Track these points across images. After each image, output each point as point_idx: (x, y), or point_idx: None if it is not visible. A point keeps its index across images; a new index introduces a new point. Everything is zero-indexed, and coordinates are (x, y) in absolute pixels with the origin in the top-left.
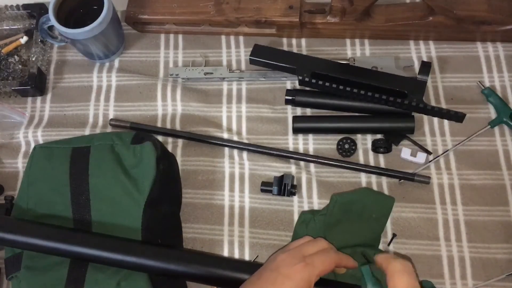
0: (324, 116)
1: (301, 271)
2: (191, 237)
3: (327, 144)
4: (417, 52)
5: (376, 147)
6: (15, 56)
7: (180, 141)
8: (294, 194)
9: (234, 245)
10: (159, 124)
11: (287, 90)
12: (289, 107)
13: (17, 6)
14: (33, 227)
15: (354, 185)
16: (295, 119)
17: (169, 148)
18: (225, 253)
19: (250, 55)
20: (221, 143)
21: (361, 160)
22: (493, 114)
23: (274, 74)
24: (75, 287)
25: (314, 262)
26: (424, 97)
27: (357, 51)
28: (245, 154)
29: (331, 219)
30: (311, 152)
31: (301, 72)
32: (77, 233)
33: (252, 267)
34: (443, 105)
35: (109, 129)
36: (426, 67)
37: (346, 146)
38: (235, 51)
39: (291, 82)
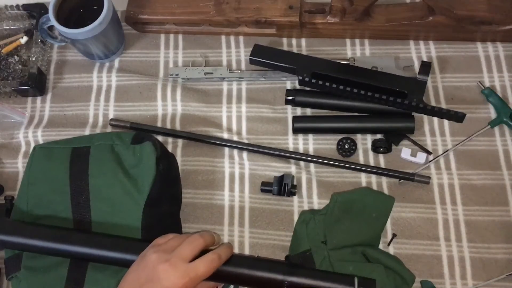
0: (324, 116)
1: (182, 280)
2: None
3: (327, 144)
4: (417, 52)
5: (376, 147)
6: (15, 56)
7: (180, 141)
8: (294, 194)
9: (234, 245)
10: (159, 124)
11: (287, 90)
12: (289, 107)
13: (17, 6)
14: (31, 228)
15: (354, 185)
16: (295, 119)
17: (169, 148)
18: None
19: (250, 55)
20: (221, 143)
21: (361, 160)
22: (493, 114)
23: (274, 74)
24: (75, 287)
25: (196, 267)
26: (424, 97)
27: (357, 51)
28: (245, 154)
29: (331, 218)
30: (311, 152)
31: (301, 72)
32: (75, 233)
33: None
34: (443, 105)
35: (109, 129)
36: (426, 67)
37: (346, 146)
38: (235, 51)
39: (291, 82)
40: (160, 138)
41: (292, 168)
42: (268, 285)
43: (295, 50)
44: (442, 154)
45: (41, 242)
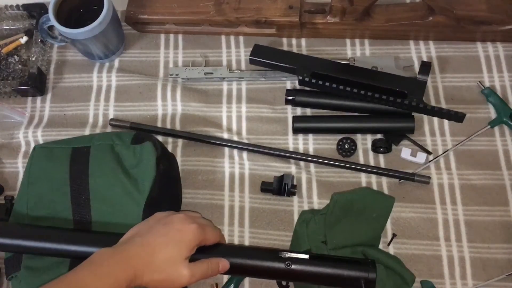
0: (324, 116)
1: (194, 230)
2: None
3: (327, 144)
4: (417, 52)
5: (376, 147)
6: (15, 56)
7: (180, 141)
8: (294, 194)
9: None
10: (159, 124)
11: (287, 90)
12: (289, 107)
13: (17, 6)
14: (27, 230)
15: (354, 185)
16: (295, 119)
17: (169, 148)
18: None
19: (250, 55)
20: (221, 143)
21: (361, 160)
22: (493, 114)
23: (274, 74)
24: None
25: (205, 228)
26: (424, 97)
27: (357, 51)
28: (245, 154)
29: (331, 218)
30: (311, 152)
31: (301, 72)
32: (72, 233)
33: None
34: (443, 105)
35: (109, 129)
36: (426, 67)
37: (346, 146)
38: (235, 51)
39: (291, 82)
40: (160, 138)
41: (292, 168)
42: (271, 271)
43: (295, 50)
44: (442, 154)
45: (38, 243)
